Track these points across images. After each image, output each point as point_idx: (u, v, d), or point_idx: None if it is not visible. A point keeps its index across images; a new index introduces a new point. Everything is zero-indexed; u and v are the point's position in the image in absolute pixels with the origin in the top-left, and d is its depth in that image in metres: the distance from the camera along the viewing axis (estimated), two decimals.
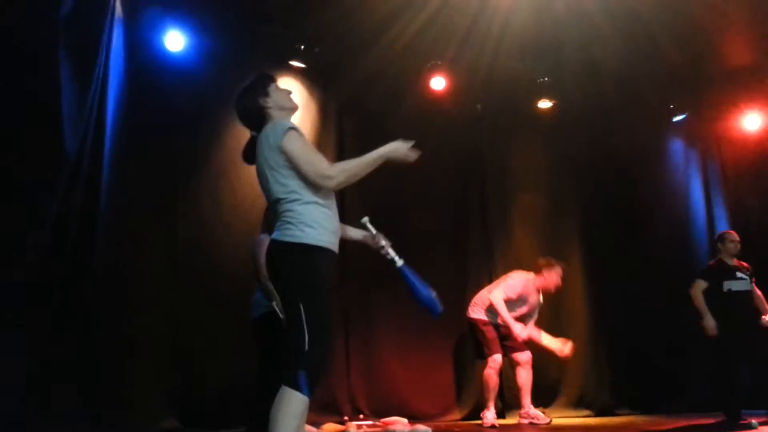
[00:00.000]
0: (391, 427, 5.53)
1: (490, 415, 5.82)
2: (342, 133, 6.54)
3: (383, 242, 3.09)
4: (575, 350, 6.13)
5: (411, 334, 6.28)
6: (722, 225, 7.41)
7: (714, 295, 5.75)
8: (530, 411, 5.95)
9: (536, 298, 6.09)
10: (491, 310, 5.86)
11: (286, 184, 2.76)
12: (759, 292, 5.93)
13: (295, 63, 6.18)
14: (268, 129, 2.83)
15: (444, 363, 6.60)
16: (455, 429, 5.83)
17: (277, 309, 3.82)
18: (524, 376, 5.93)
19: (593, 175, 7.51)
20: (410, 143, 2.85)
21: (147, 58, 5.50)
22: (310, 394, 2.58)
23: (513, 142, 7.39)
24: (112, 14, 5.10)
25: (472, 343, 6.12)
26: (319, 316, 2.66)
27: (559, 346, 6.03)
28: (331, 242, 2.79)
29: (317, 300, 2.67)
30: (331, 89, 6.46)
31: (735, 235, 6.01)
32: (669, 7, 5.75)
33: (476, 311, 5.97)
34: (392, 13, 5.73)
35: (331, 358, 2.76)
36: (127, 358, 5.02)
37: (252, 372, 4.19)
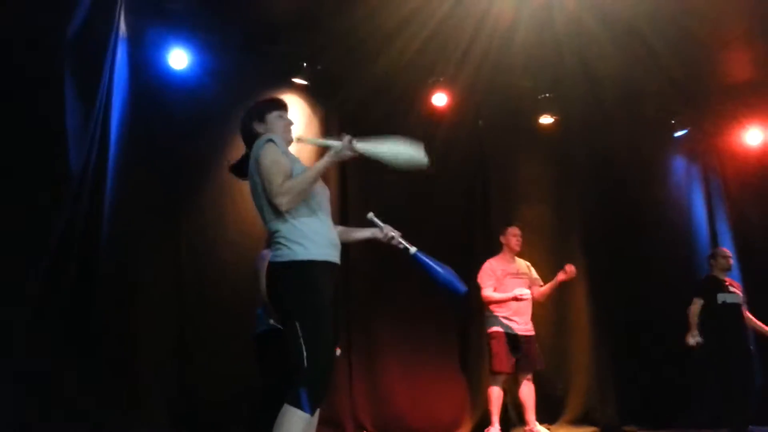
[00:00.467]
0: None
1: None
2: None
3: (392, 233, 3.07)
4: (580, 365, 6.09)
5: (414, 347, 6.26)
6: (725, 240, 7.40)
7: (710, 309, 5.95)
8: (535, 428, 5.90)
9: (516, 265, 6.04)
10: (493, 315, 5.82)
11: (268, 202, 2.77)
12: (749, 314, 6.16)
13: (297, 80, 6.23)
14: (256, 142, 2.87)
15: (448, 378, 6.56)
16: None
17: (278, 325, 3.83)
18: (527, 392, 5.88)
19: (595, 191, 7.50)
20: (349, 137, 2.80)
21: (151, 76, 5.56)
22: (312, 411, 2.57)
23: (515, 158, 7.40)
24: (117, 33, 5.15)
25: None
26: (317, 333, 2.64)
27: (561, 275, 5.91)
28: (325, 254, 2.76)
29: (313, 317, 2.65)
30: (332, 105, 6.50)
31: (727, 252, 6.26)
32: (670, 23, 5.78)
33: (486, 322, 5.94)
34: (394, 31, 5.78)
35: (332, 373, 2.73)
36: (130, 368, 5.04)
37: (254, 384, 4.20)
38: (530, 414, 5.87)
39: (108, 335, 4.89)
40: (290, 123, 3.04)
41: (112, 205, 5.04)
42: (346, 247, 2.82)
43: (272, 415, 2.60)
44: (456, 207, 7.03)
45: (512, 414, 6.48)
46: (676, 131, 7.67)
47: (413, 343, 6.18)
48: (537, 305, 6.07)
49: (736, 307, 6.04)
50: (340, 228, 3.04)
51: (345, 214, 5.98)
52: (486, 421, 5.98)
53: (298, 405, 2.55)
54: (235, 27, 5.84)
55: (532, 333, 5.88)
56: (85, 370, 4.60)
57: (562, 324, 6.86)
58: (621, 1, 5.58)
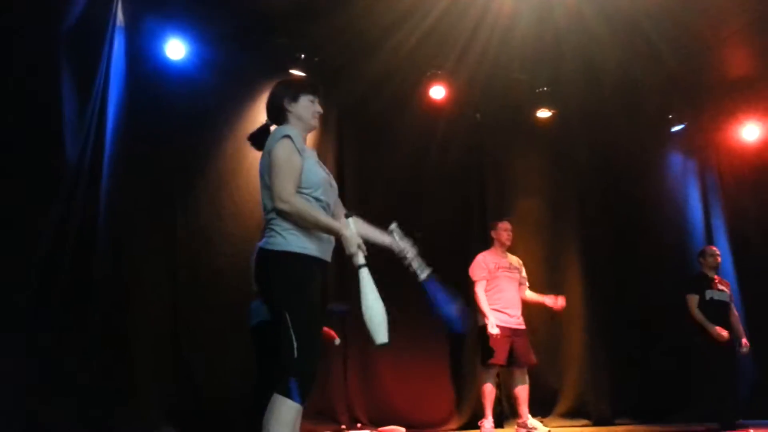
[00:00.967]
0: None
1: (488, 425, 5.80)
2: (342, 140, 6.56)
3: (408, 254, 3.00)
4: (574, 359, 6.12)
5: (409, 341, 6.26)
6: (720, 235, 7.44)
7: (698, 305, 6.14)
8: (528, 421, 5.93)
9: (507, 260, 6.06)
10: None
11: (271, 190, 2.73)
12: (736, 313, 6.31)
13: (295, 72, 6.20)
14: (273, 132, 2.83)
15: (442, 371, 6.60)
16: None
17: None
18: (521, 386, 5.91)
19: (592, 185, 7.52)
20: (360, 251, 2.74)
21: (148, 67, 5.52)
22: (302, 401, 2.57)
23: (512, 151, 7.41)
24: (114, 23, 5.12)
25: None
26: (306, 323, 2.64)
27: (550, 300, 5.97)
28: (318, 249, 2.74)
29: (302, 307, 2.64)
30: (331, 98, 6.47)
31: (716, 250, 6.44)
32: (669, 18, 5.78)
33: (478, 315, 5.94)
34: (393, 23, 5.76)
35: (322, 364, 2.73)
36: (126, 365, 5.01)
37: (251, 379, 4.19)
38: (523, 407, 5.90)
39: (105, 328, 4.85)
40: (319, 111, 2.98)
41: (109, 195, 5.00)
42: (339, 244, 2.81)
43: (265, 405, 2.60)
44: (453, 199, 7.03)
45: (506, 407, 6.52)
46: (674, 126, 7.68)
47: (409, 335, 6.18)
48: None
49: (722, 304, 6.21)
50: (361, 222, 2.99)
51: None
52: (479, 414, 6.01)
53: (288, 395, 2.55)
54: (233, 18, 5.80)
55: (523, 327, 5.91)
56: (82, 366, 4.59)
57: (557, 318, 6.87)
58: None
